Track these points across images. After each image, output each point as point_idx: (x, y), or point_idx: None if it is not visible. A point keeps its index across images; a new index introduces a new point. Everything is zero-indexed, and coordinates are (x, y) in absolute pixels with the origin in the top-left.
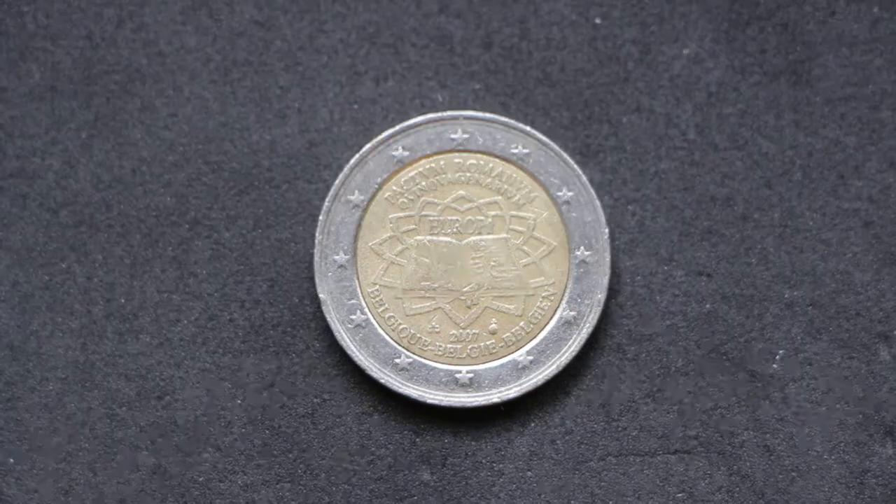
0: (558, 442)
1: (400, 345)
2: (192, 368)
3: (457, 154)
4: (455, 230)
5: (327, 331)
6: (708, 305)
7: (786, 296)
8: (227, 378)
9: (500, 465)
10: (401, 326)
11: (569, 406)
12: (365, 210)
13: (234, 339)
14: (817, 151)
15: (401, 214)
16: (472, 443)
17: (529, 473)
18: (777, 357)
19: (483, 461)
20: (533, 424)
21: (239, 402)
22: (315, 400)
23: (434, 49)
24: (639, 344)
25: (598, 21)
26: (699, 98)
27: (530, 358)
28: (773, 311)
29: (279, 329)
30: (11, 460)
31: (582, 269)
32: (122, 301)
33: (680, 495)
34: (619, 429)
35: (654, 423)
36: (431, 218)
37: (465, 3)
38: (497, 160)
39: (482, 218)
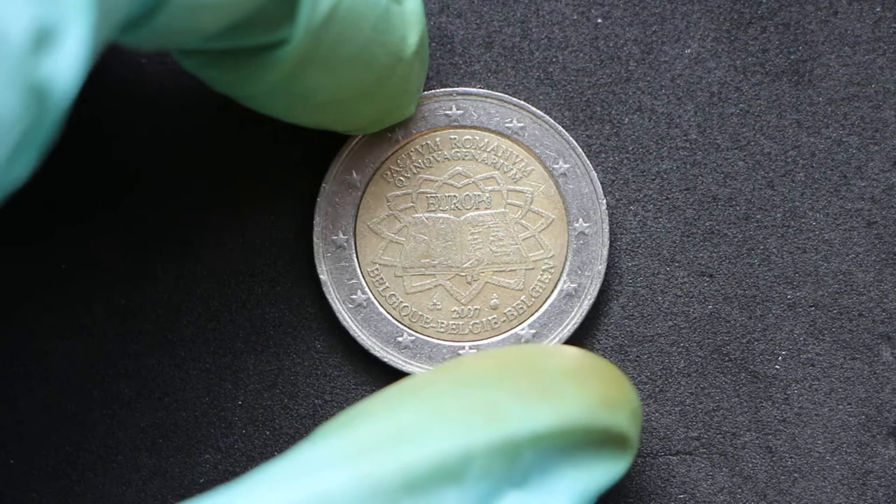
0: None
1: (402, 323)
2: (193, 369)
3: (452, 130)
4: (453, 206)
5: (328, 331)
6: (710, 306)
7: (788, 296)
8: (227, 379)
9: None
10: (402, 304)
11: None
12: (363, 190)
13: (234, 340)
14: (819, 151)
15: (398, 192)
16: None
17: None
18: (779, 358)
19: None
20: None
21: (240, 402)
22: (316, 401)
23: (435, 49)
24: (640, 345)
25: (599, 21)
26: (701, 98)
27: (532, 331)
28: (776, 312)
29: (280, 329)
30: (12, 461)
31: (581, 241)
32: (123, 301)
33: (682, 496)
34: None
35: (655, 424)
36: (429, 195)
37: (466, 3)
38: (492, 135)
39: (479, 193)
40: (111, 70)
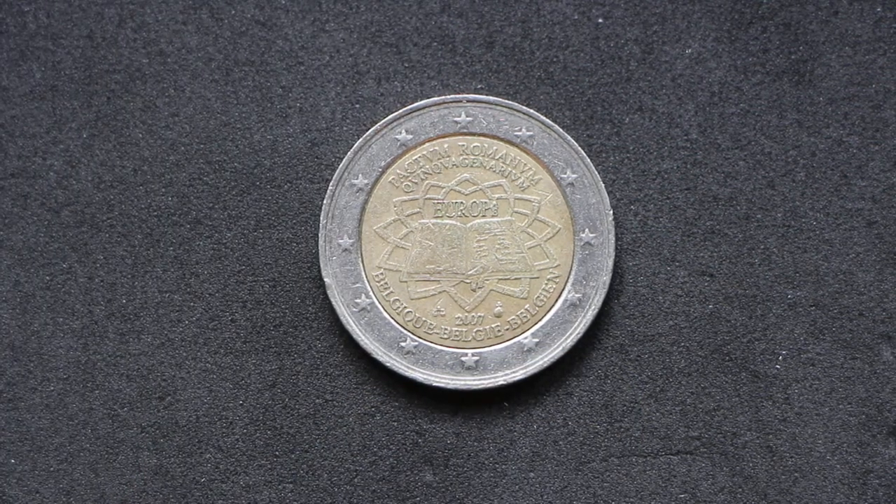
0: (561, 443)
1: (405, 328)
2: (194, 369)
3: (461, 137)
4: (459, 213)
5: (329, 330)
6: (710, 306)
7: (788, 296)
8: (228, 378)
9: (503, 466)
10: (406, 310)
11: (571, 407)
12: (369, 194)
13: (235, 340)
14: (820, 151)
15: (405, 198)
16: (475, 443)
17: (532, 474)
18: (780, 357)
19: (486, 462)
20: (535, 425)
21: (241, 402)
22: (317, 400)
23: (436, 49)
24: (641, 344)
25: (600, 21)
26: (701, 98)
27: (536, 340)
28: (776, 312)
29: (281, 329)
30: (13, 461)
31: (586, 252)
32: (124, 301)
33: (682, 496)
34: (622, 429)
35: (656, 424)
36: (436, 201)
37: (468, 3)
38: (501, 143)
39: (486, 200)
40: (111, 70)
